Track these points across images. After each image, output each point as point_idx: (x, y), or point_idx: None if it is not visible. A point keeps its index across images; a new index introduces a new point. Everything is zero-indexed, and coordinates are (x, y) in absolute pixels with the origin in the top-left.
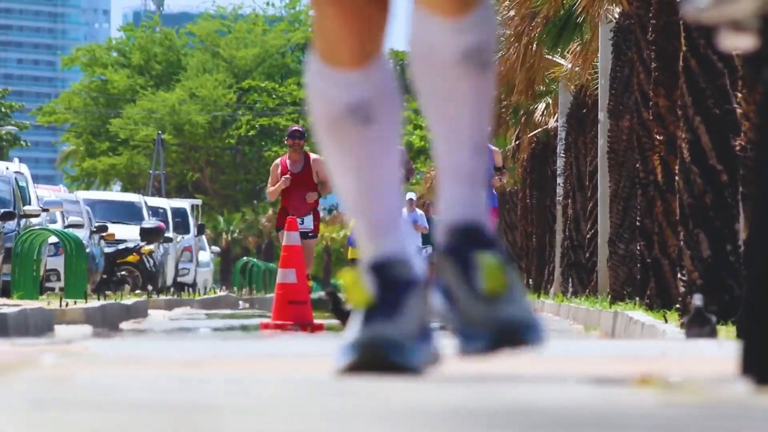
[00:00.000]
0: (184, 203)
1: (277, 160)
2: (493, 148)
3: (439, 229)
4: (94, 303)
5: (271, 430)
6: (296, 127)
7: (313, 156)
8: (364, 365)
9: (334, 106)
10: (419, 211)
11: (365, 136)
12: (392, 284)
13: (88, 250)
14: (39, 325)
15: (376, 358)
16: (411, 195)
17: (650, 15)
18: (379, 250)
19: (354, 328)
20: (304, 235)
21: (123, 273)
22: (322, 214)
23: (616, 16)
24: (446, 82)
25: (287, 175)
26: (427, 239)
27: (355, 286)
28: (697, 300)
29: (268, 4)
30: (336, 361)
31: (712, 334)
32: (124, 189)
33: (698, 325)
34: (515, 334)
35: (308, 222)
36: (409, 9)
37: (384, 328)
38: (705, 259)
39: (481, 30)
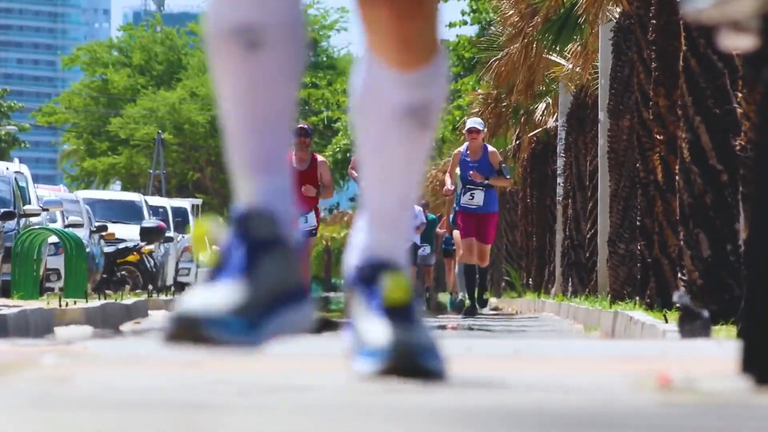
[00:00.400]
0: (185, 203)
1: None
2: (491, 149)
3: (352, 265)
4: (94, 303)
5: (271, 429)
6: (302, 125)
7: (319, 158)
8: (179, 336)
9: (220, 25)
10: (417, 208)
11: (251, 63)
12: (246, 241)
13: (88, 250)
14: (39, 326)
15: (190, 329)
16: None
17: (650, 15)
18: (247, 197)
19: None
20: (306, 233)
21: (123, 273)
22: (322, 214)
23: (616, 16)
24: (383, 133)
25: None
26: (425, 238)
27: (201, 240)
28: (677, 297)
29: None
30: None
31: (705, 328)
32: (124, 188)
33: (689, 322)
34: (412, 355)
35: (312, 220)
36: (361, 50)
37: (212, 294)
38: (705, 259)
39: (430, 89)
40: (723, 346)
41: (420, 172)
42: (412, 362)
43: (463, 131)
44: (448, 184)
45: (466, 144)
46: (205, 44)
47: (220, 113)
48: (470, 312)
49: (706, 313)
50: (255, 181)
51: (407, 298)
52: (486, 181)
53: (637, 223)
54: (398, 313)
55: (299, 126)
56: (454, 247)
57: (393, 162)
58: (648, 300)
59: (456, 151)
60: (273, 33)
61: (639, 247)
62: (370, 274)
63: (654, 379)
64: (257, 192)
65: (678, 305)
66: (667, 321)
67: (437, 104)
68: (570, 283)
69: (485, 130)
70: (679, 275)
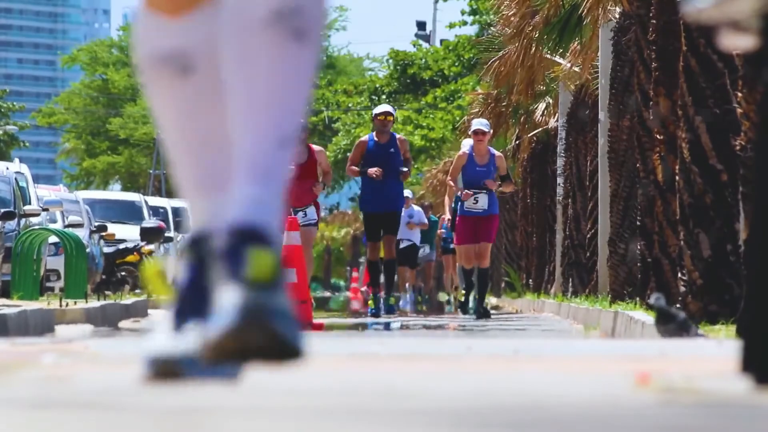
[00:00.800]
0: (185, 203)
1: None
2: (497, 153)
3: (220, 233)
4: (94, 303)
5: (271, 430)
6: None
7: (315, 147)
8: (159, 377)
9: (151, 53)
10: (416, 208)
11: (186, 88)
12: (206, 263)
13: (88, 250)
14: (39, 326)
15: (168, 372)
16: (407, 193)
17: (650, 15)
18: (200, 221)
19: (162, 330)
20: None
21: (123, 273)
22: (322, 214)
23: (617, 16)
24: (250, 47)
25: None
26: (425, 238)
27: (157, 278)
28: (653, 300)
29: None
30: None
31: (681, 330)
32: (124, 188)
33: (663, 323)
34: (264, 316)
35: (311, 213)
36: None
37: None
38: (705, 259)
39: None
40: (723, 346)
41: (302, 99)
42: (262, 323)
43: (469, 132)
44: (456, 186)
45: (469, 145)
46: (137, 71)
47: (163, 140)
48: (463, 307)
49: (682, 316)
50: (210, 201)
51: (272, 276)
52: (500, 188)
53: (637, 223)
54: (258, 283)
55: None
56: (453, 246)
57: (262, 83)
58: (648, 300)
59: (460, 153)
60: (204, 58)
61: (639, 247)
62: (234, 244)
63: (633, 378)
64: (211, 215)
65: (653, 307)
66: None
67: (314, 12)
68: (570, 283)
69: (490, 131)
70: (679, 275)
